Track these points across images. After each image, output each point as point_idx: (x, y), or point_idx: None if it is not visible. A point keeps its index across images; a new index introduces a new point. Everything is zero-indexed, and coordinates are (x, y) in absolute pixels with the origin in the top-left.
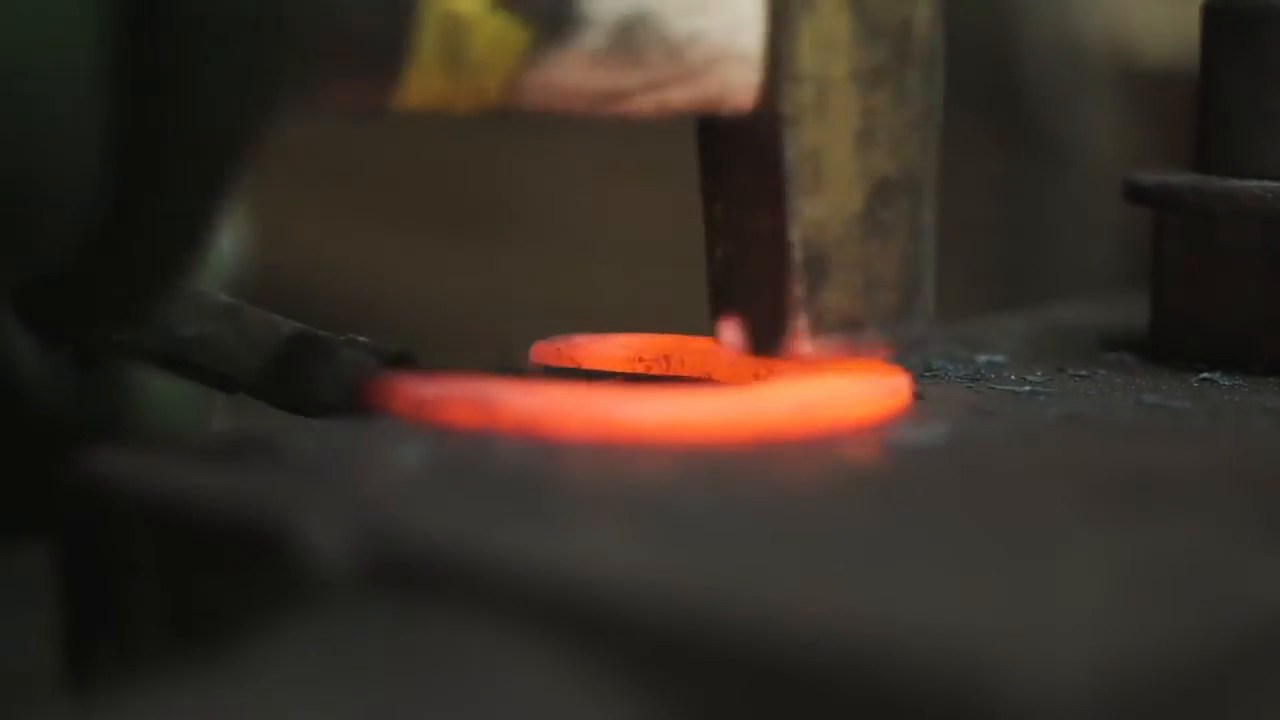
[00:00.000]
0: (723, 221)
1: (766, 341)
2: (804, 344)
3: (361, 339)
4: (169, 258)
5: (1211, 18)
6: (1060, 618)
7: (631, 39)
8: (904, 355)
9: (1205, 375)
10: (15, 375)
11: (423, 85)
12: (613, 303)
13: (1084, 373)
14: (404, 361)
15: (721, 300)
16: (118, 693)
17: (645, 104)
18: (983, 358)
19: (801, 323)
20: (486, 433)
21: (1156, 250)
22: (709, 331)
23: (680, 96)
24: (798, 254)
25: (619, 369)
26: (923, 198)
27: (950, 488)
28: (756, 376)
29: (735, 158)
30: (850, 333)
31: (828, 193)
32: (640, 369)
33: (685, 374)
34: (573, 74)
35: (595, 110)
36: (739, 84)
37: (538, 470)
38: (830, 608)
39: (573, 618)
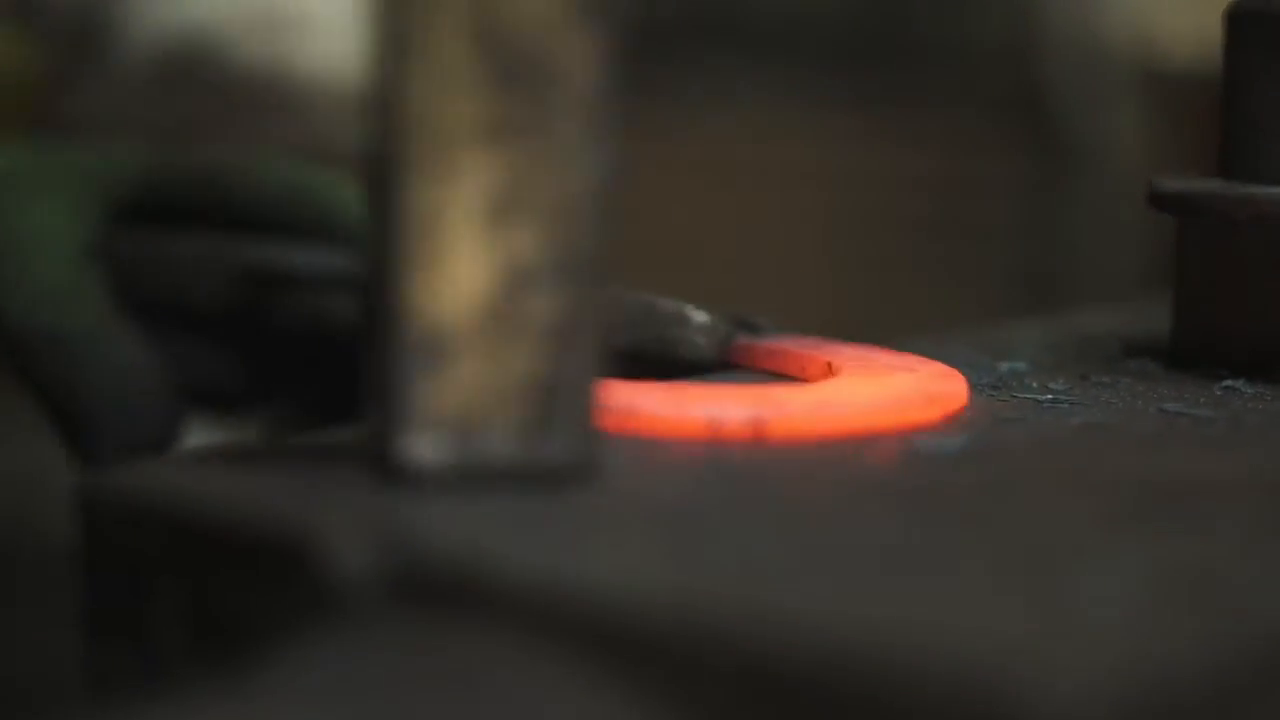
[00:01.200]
0: (366, 293)
1: (377, 447)
2: (410, 452)
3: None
4: None
5: (1235, 24)
6: (1082, 628)
7: (183, 68)
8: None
9: (1228, 383)
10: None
11: None
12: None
13: (1106, 380)
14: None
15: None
16: (137, 704)
17: (233, 135)
18: (1004, 365)
19: (408, 417)
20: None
21: (1179, 257)
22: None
23: (269, 134)
24: (405, 345)
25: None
26: (582, 290)
27: (972, 497)
28: (826, 373)
29: (370, 211)
30: (468, 439)
31: (445, 269)
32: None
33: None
34: (116, 97)
35: (169, 138)
36: (337, 125)
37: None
38: (853, 621)
39: (596, 632)
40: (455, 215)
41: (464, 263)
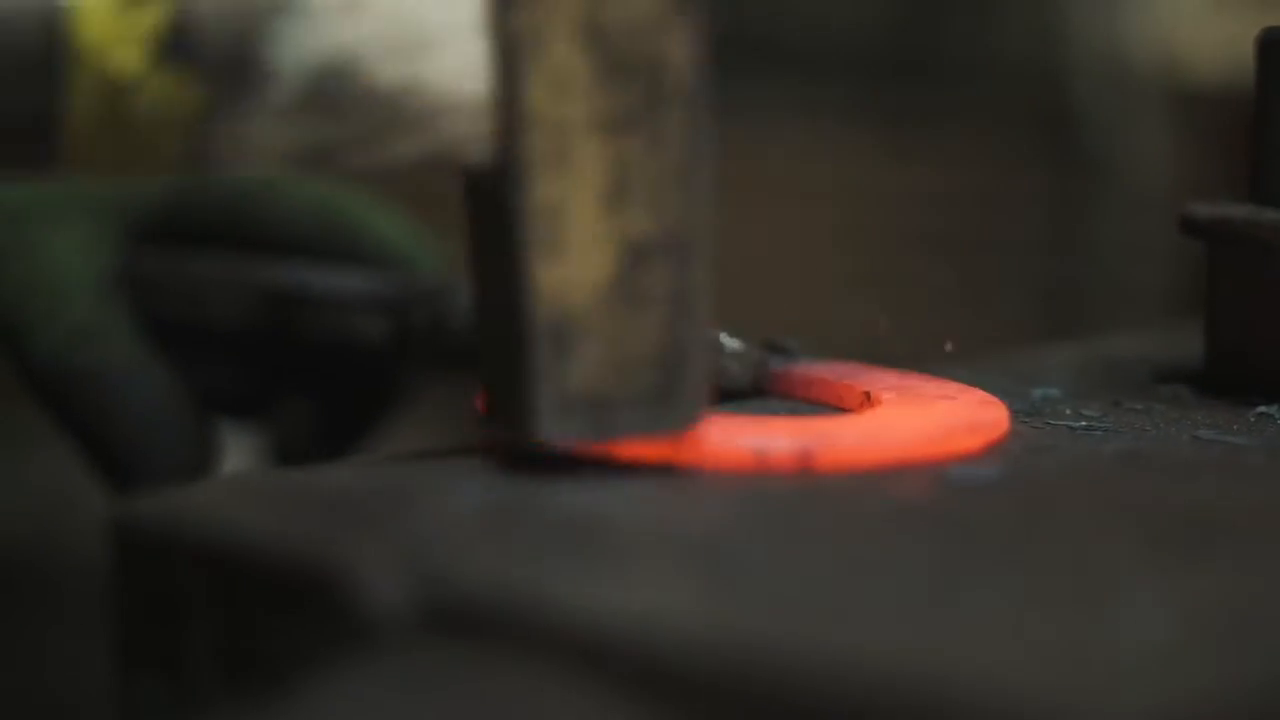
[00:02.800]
0: (478, 285)
1: (509, 418)
2: (543, 423)
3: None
4: None
5: (1268, 51)
6: (1120, 661)
7: (330, 89)
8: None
9: (1262, 409)
10: None
11: (88, 148)
12: None
13: (1139, 406)
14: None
15: (485, 376)
16: None
17: (358, 160)
18: (1038, 391)
19: (542, 400)
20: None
21: (1210, 282)
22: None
23: (401, 151)
24: (536, 325)
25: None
26: (691, 261)
27: (1008, 528)
28: (865, 403)
29: (481, 213)
30: (599, 414)
31: (571, 255)
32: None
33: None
34: (265, 129)
35: (302, 167)
36: (466, 134)
37: (596, 511)
38: (889, 657)
39: (627, 667)
40: (575, 204)
41: (586, 247)
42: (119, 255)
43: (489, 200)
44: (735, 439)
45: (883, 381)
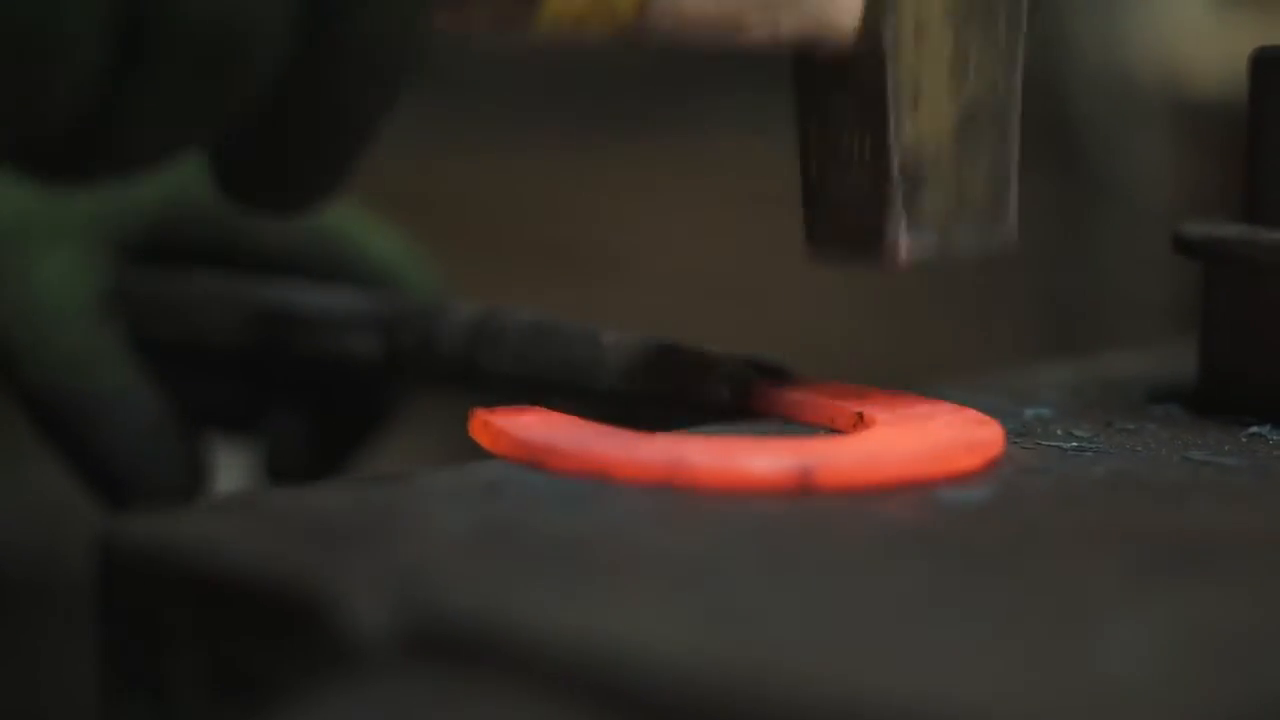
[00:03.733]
0: (818, 141)
1: (864, 247)
2: (902, 247)
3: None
4: (343, 135)
5: (1261, 68)
6: (1110, 687)
7: None
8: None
9: (1254, 429)
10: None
11: (566, 3)
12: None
13: (1131, 427)
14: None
15: (815, 214)
16: None
17: (759, 32)
18: (1029, 411)
19: (902, 227)
20: (535, 493)
21: (1205, 301)
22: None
23: (789, 23)
24: (896, 169)
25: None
26: (1008, 121)
27: (997, 552)
28: (854, 423)
29: (833, 84)
30: (944, 233)
31: (924, 115)
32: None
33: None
34: None
35: (715, 39)
36: (842, 14)
37: (584, 534)
38: (881, 685)
39: (615, 694)
40: (929, 74)
41: (936, 107)
42: (110, 276)
43: (850, 73)
44: (732, 458)
45: (873, 403)
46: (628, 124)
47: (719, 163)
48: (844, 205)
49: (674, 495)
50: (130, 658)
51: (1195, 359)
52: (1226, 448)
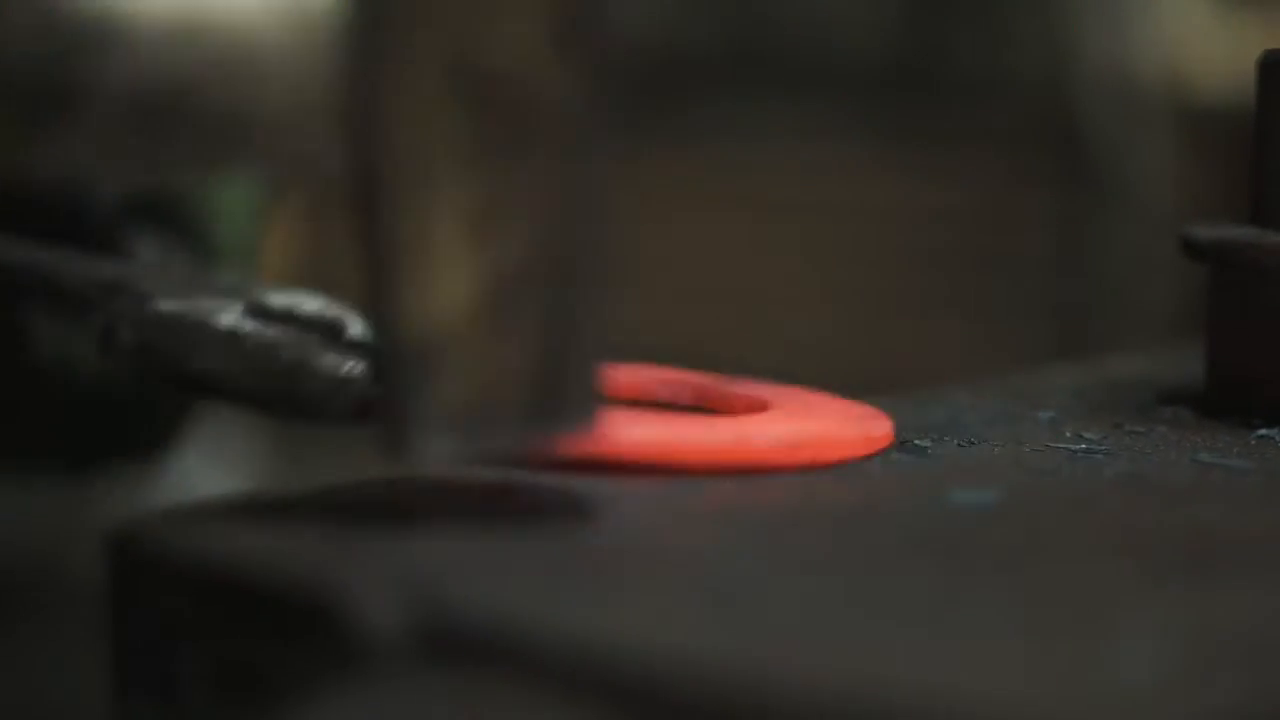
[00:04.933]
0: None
1: (389, 444)
2: (414, 451)
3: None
4: None
5: (1269, 71)
6: (1122, 689)
7: (157, 116)
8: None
9: (1262, 432)
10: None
11: None
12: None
13: (1140, 429)
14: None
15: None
16: None
17: (192, 176)
18: (1036, 414)
19: (413, 425)
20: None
21: (1212, 304)
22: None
23: (240, 169)
24: (403, 348)
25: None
26: (574, 287)
27: (1007, 553)
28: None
29: (358, 226)
30: (474, 432)
31: (436, 283)
32: (645, 398)
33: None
34: (85, 152)
35: (132, 183)
36: (314, 155)
37: (596, 533)
38: (889, 684)
39: (628, 691)
40: (440, 232)
41: (452, 273)
42: None
43: (361, 218)
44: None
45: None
46: (630, 135)
47: (723, 171)
48: (381, 381)
49: (683, 493)
50: (141, 659)
51: (1202, 362)
52: (1236, 450)
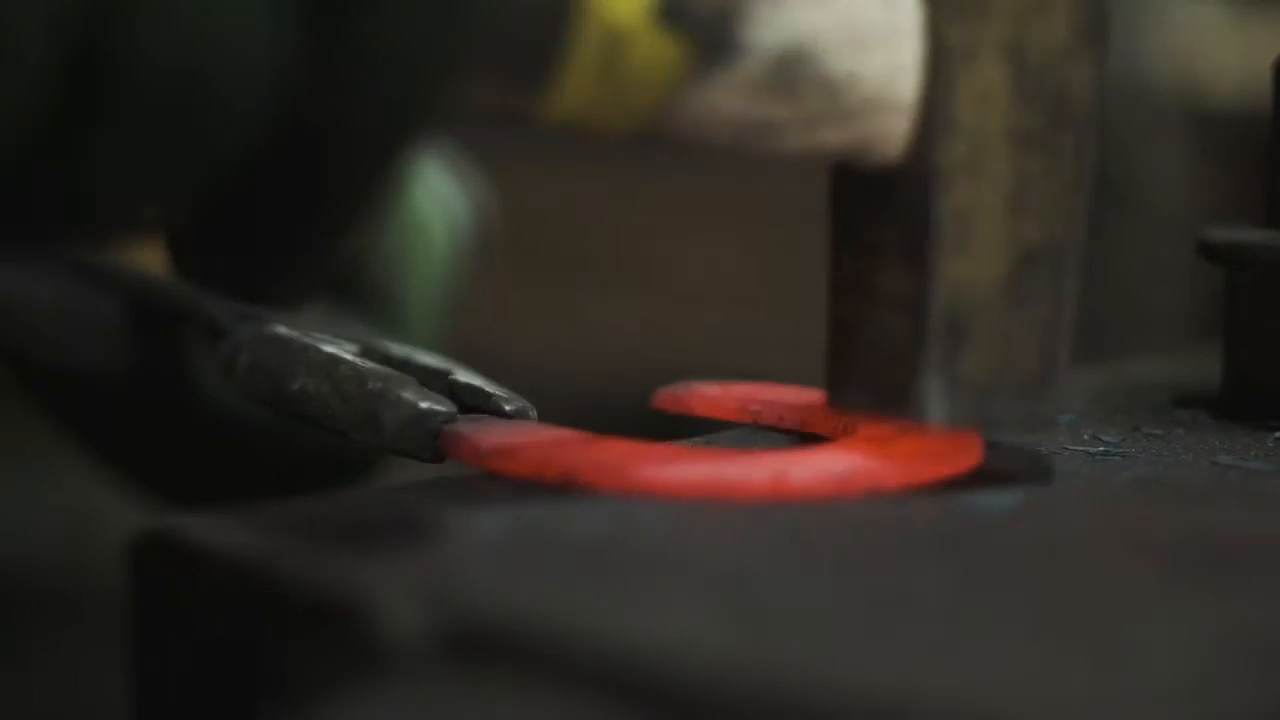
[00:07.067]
0: (851, 277)
1: (892, 404)
2: (933, 413)
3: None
4: (327, 217)
5: None
6: (1142, 691)
7: (790, 72)
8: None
9: None
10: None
11: (577, 96)
12: (700, 350)
13: (1158, 432)
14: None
15: (841, 359)
16: None
17: (795, 141)
18: (1055, 416)
19: (934, 389)
20: (567, 495)
21: (1229, 306)
22: (807, 383)
23: (831, 138)
24: (936, 318)
25: (731, 418)
26: (1067, 268)
27: (1029, 556)
28: (850, 432)
29: (875, 211)
30: (982, 403)
31: (973, 256)
32: (749, 419)
33: (787, 427)
34: (728, 101)
35: (745, 143)
36: (891, 131)
37: (616, 538)
38: (912, 687)
39: (648, 696)
40: (983, 208)
41: (987, 248)
42: None
43: (894, 199)
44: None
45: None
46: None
47: (728, 175)
48: (875, 350)
49: (693, 503)
50: (164, 664)
51: (1219, 365)
52: (1253, 452)
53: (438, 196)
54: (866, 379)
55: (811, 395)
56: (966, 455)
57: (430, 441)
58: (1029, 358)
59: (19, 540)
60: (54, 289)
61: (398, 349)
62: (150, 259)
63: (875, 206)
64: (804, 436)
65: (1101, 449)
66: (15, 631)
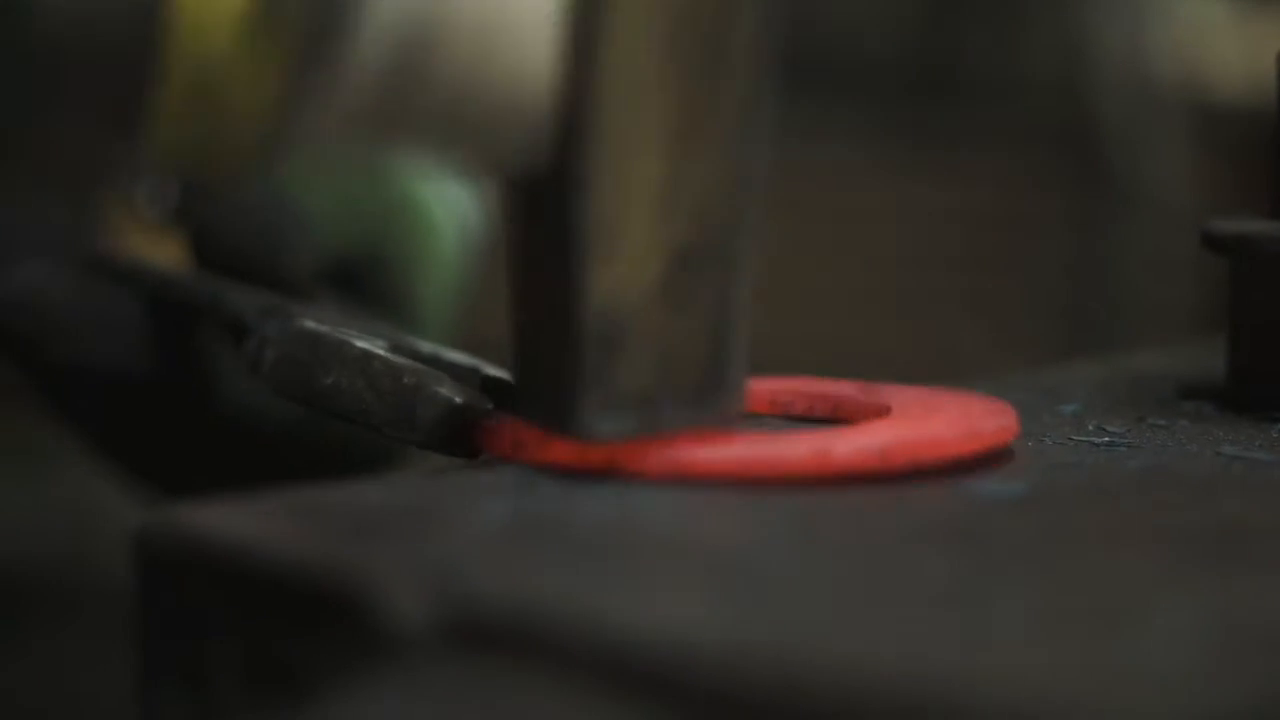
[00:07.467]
0: (520, 292)
1: (558, 418)
2: (593, 421)
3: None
4: None
5: None
6: (1146, 678)
7: (408, 63)
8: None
9: None
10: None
11: (173, 139)
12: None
13: (1163, 423)
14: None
15: (520, 374)
16: None
17: (425, 139)
18: (1060, 407)
19: (590, 399)
20: (572, 481)
21: (1233, 298)
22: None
23: (465, 144)
24: (587, 329)
25: (762, 411)
26: (735, 268)
27: (1033, 544)
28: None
29: (529, 219)
30: (645, 411)
31: (623, 262)
32: (780, 411)
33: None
34: (343, 100)
35: (377, 138)
36: (525, 140)
37: (620, 525)
38: (915, 672)
39: (652, 682)
40: (631, 213)
41: (637, 254)
42: None
43: (541, 207)
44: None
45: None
46: None
47: None
48: (538, 365)
49: (696, 488)
50: (168, 653)
51: (1223, 357)
52: (1258, 443)
53: (448, 198)
54: (536, 394)
55: (841, 386)
56: (1005, 427)
57: (466, 436)
58: (695, 362)
59: (23, 536)
60: (73, 284)
61: (426, 346)
62: (170, 254)
63: (529, 214)
64: (837, 425)
65: (1107, 439)
66: (19, 625)
